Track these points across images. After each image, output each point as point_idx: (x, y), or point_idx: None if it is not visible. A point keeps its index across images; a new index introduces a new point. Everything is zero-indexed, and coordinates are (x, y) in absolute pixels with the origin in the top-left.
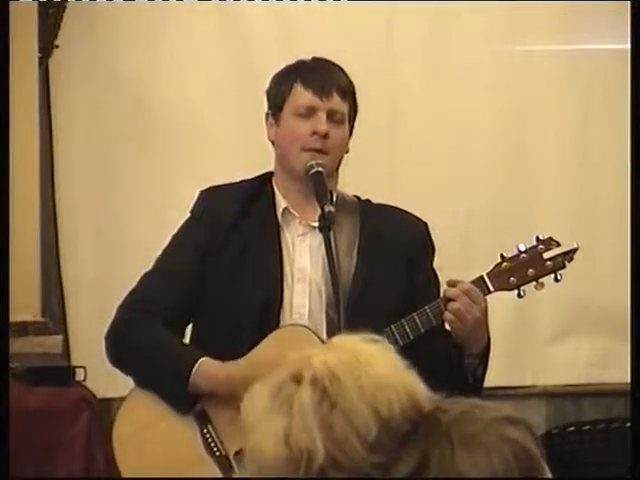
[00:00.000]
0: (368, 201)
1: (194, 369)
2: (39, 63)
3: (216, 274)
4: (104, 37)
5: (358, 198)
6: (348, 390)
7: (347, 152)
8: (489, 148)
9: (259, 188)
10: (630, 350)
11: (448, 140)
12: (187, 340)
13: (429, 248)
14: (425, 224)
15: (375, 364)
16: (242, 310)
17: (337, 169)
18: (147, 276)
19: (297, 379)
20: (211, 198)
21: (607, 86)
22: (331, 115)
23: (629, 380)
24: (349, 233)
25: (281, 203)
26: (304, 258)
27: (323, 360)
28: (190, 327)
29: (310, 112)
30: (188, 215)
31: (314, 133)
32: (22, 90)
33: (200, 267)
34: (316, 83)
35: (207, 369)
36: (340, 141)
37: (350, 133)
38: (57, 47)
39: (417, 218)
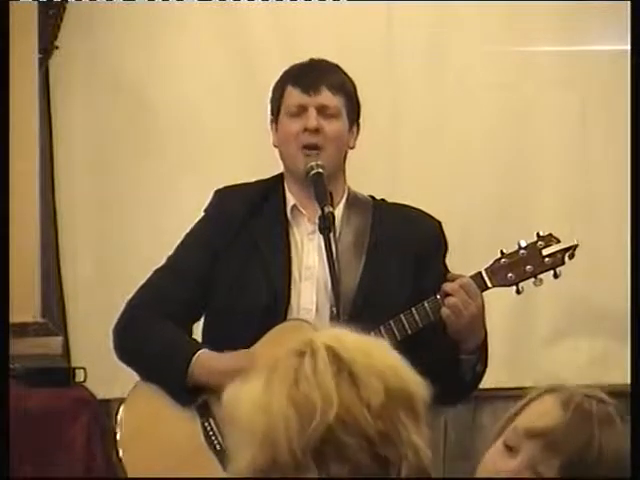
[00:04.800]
0: (382, 200)
1: (193, 360)
2: (39, 64)
3: (226, 272)
4: (104, 37)
5: (373, 198)
6: (358, 357)
7: (352, 148)
8: (489, 147)
9: (272, 188)
10: (630, 351)
11: (448, 139)
12: (198, 337)
13: (441, 247)
14: (438, 223)
15: (379, 347)
16: (250, 307)
17: (344, 166)
18: (158, 272)
19: (301, 353)
20: (225, 198)
21: (606, 86)
22: (322, 110)
23: (629, 381)
24: (359, 232)
25: (290, 201)
26: (312, 256)
27: (330, 335)
28: (201, 324)
29: (300, 110)
30: (202, 214)
31: (305, 129)
32: (22, 90)
33: (211, 266)
34: (304, 81)
35: (205, 360)
36: (336, 135)
37: (357, 130)
38: (57, 48)
39: (430, 217)
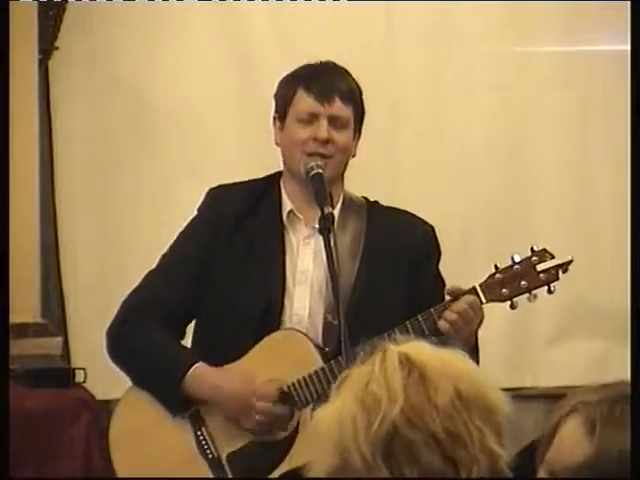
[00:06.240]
0: (376, 202)
1: (188, 374)
2: (39, 64)
3: (220, 274)
4: (104, 37)
5: (367, 199)
6: (432, 362)
7: (354, 156)
8: (489, 148)
9: (267, 188)
10: (630, 351)
11: (448, 140)
12: (190, 338)
13: (434, 252)
14: (432, 228)
15: (457, 356)
16: (243, 311)
17: (343, 173)
18: (151, 274)
19: (373, 362)
20: (219, 197)
21: (606, 87)
22: (333, 120)
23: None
24: (354, 235)
25: (287, 205)
26: (307, 260)
27: (406, 344)
28: (193, 325)
29: (312, 118)
30: (195, 213)
31: (315, 139)
32: (22, 90)
33: (203, 267)
34: (318, 88)
35: (200, 376)
36: (344, 146)
37: (358, 137)
38: (57, 48)
39: (424, 221)
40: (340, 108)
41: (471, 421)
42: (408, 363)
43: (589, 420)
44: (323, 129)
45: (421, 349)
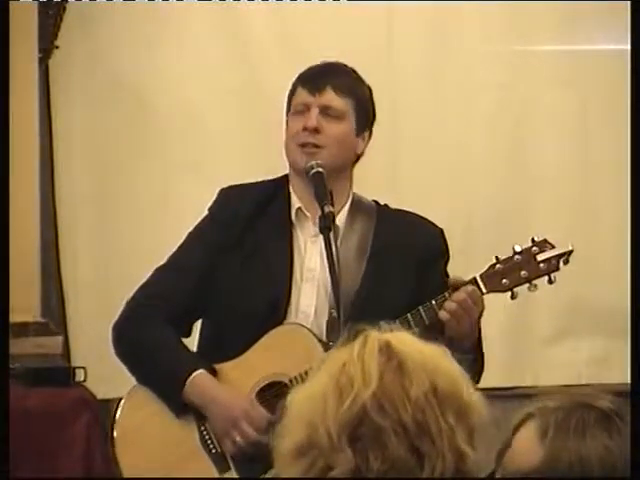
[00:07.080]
0: (386, 206)
1: (187, 382)
2: (39, 64)
3: (228, 272)
4: (104, 37)
5: (377, 203)
6: (412, 353)
7: (361, 154)
8: (489, 147)
9: (277, 188)
10: (630, 350)
11: (448, 140)
12: (197, 336)
13: (443, 254)
14: (441, 230)
15: (438, 352)
16: (250, 308)
17: (351, 170)
18: (159, 271)
19: (353, 346)
20: (230, 197)
21: (607, 86)
22: (325, 110)
23: (629, 380)
24: (362, 236)
25: (295, 203)
26: (314, 258)
27: (390, 333)
28: (200, 322)
29: (304, 109)
30: (206, 213)
31: (305, 129)
32: (22, 90)
33: (212, 265)
34: (312, 82)
35: (199, 385)
36: (337, 137)
37: (368, 136)
38: (57, 47)
39: (433, 224)
40: (332, 98)
41: (443, 417)
42: (388, 350)
43: (544, 426)
44: (312, 117)
45: (404, 339)
